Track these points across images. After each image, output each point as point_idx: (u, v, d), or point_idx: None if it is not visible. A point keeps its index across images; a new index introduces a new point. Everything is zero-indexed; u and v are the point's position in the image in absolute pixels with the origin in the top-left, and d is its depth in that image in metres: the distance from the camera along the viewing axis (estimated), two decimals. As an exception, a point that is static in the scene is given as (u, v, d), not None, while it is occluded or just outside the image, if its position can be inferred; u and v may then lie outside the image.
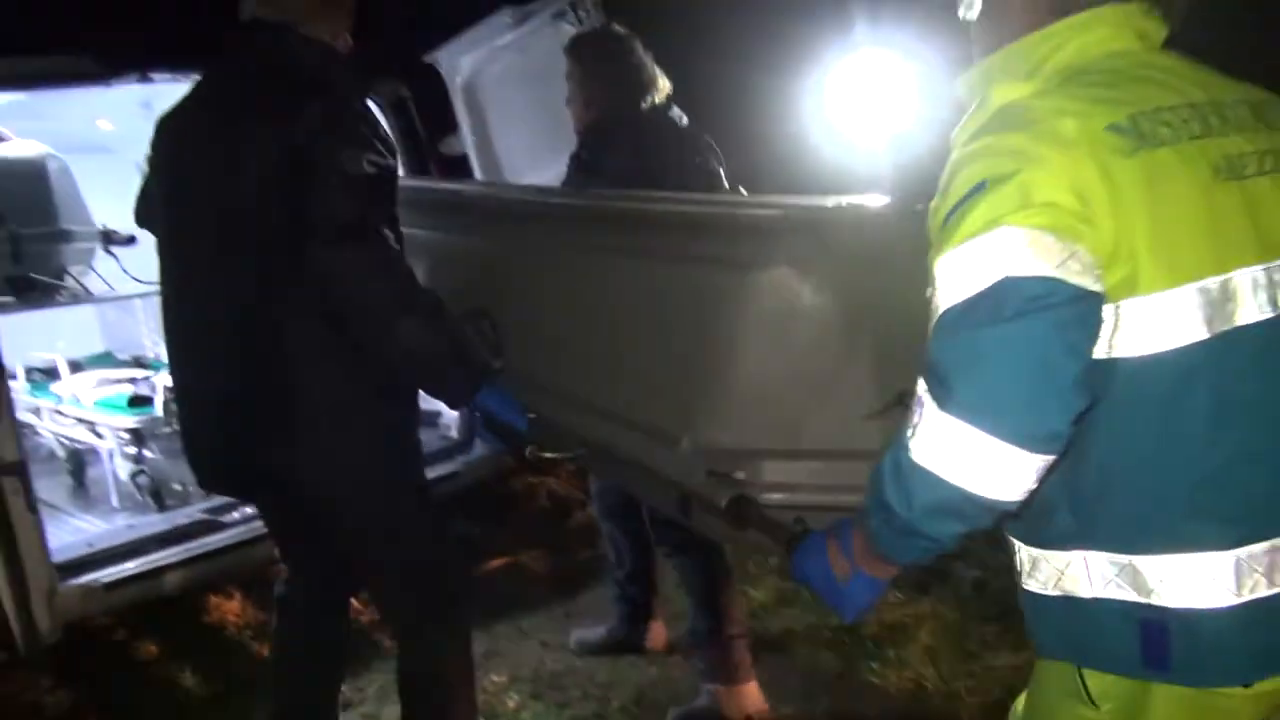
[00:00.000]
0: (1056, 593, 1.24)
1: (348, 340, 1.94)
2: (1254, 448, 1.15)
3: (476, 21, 3.94)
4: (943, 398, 1.09)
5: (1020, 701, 1.45)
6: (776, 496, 1.72)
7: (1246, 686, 1.15)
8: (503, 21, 3.84)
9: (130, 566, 3.07)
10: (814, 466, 1.72)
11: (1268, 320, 1.14)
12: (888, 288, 1.51)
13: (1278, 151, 1.19)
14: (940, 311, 1.13)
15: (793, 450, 1.74)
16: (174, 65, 3.38)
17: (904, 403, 1.24)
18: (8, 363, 4.07)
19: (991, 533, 1.26)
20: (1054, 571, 1.24)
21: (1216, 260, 1.13)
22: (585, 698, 3.17)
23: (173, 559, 3.14)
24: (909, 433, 1.14)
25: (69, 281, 3.99)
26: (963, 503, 1.10)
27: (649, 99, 2.80)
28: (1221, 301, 1.12)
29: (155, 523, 3.46)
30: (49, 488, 4.01)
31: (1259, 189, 1.16)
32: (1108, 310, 1.11)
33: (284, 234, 1.89)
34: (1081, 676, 1.24)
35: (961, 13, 1.32)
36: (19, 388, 3.88)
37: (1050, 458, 1.08)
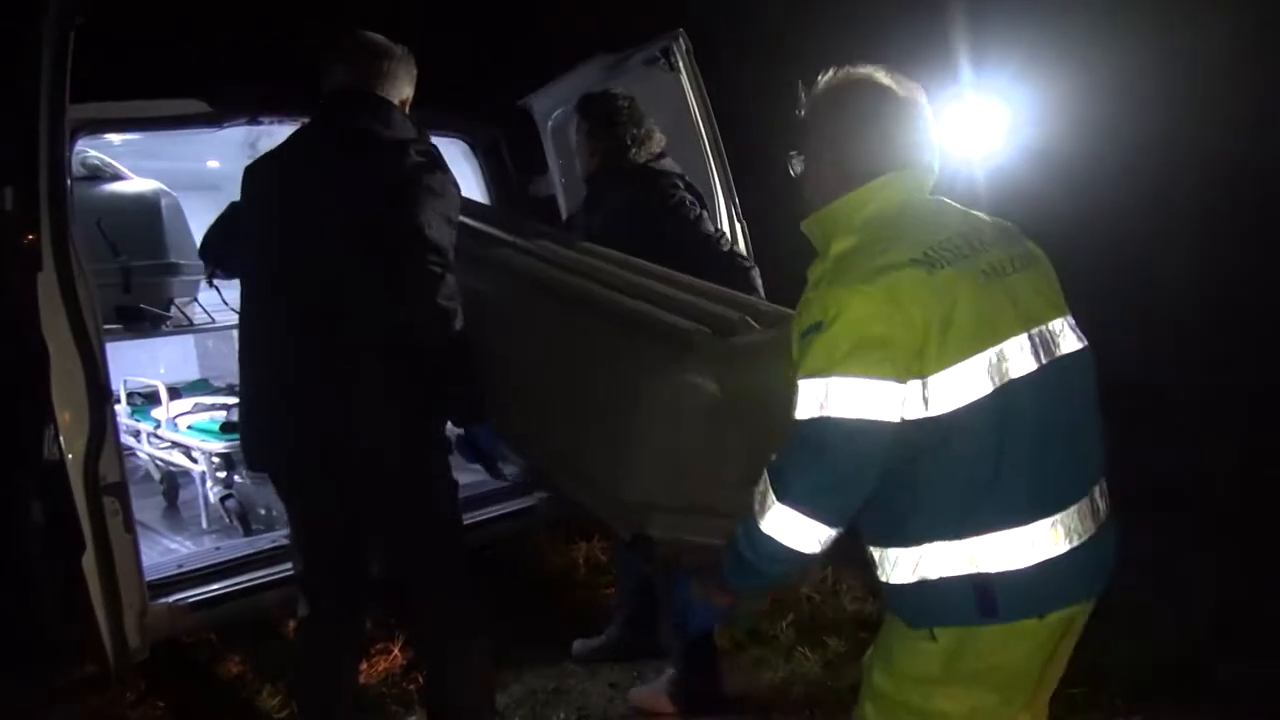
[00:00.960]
0: (914, 579, 1.68)
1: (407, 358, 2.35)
2: (1035, 456, 1.65)
3: (571, 68, 4.04)
4: (780, 491, 1.61)
5: (870, 654, 1.89)
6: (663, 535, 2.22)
7: (1041, 618, 1.66)
8: (596, 67, 3.92)
9: (217, 588, 3.16)
10: (693, 520, 2.18)
11: (1036, 369, 1.66)
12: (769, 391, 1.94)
13: (1018, 257, 1.74)
14: (793, 419, 1.61)
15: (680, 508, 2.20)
16: (278, 111, 3.60)
17: None
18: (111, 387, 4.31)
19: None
20: (910, 564, 1.68)
21: (993, 335, 1.63)
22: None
23: (257, 582, 3.22)
24: (757, 509, 1.65)
25: (174, 312, 4.18)
26: (788, 554, 1.65)
27: (643, 152, 3.24)
28: (999, 363, 1.62)
29: (241, 546, 3.55)
30: (144, 508, 4.15)
31: (1015, 282, 1.70)
32: (919, 385, 1.59)
33: (374, 263, 2.33)
34: (930, 631, 1.69)
35: (791, 171, 1.84)
36: (120, 411, 4.06)
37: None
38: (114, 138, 3.79)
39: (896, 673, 1.77)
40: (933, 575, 1.65)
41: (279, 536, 3.53)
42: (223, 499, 3.82)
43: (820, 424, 1.57)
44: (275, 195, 2.52)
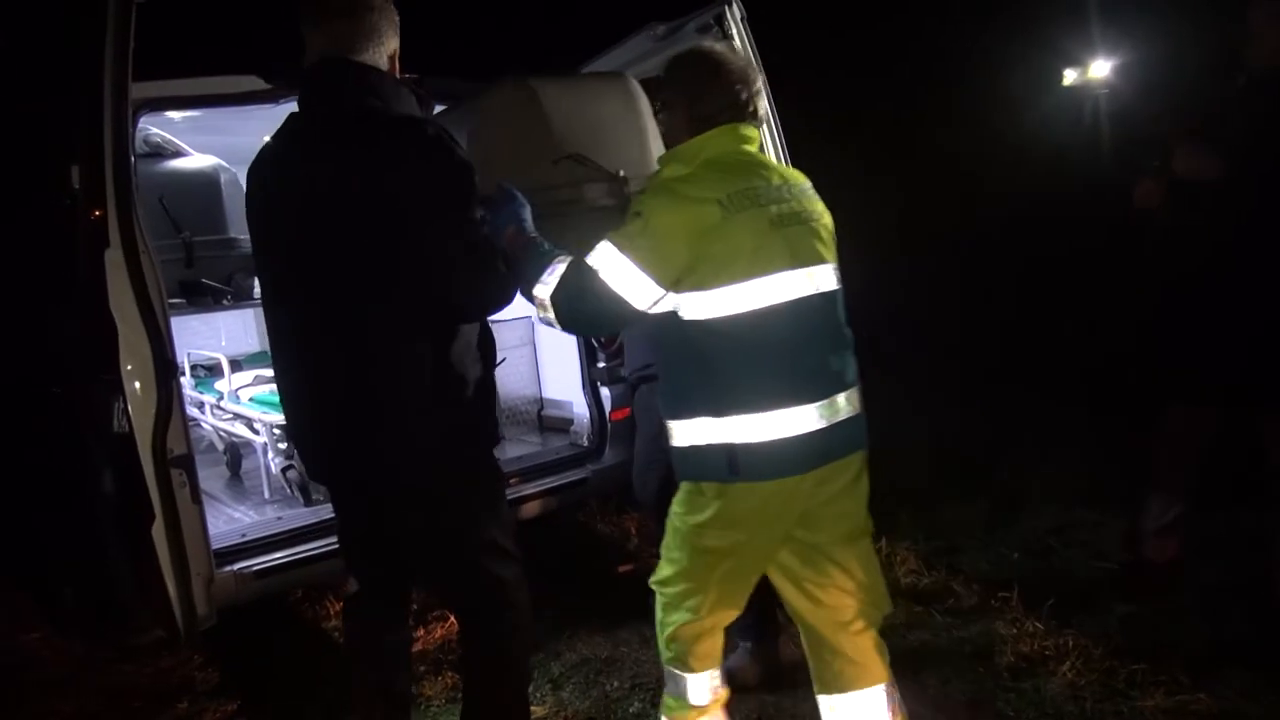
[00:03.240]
0: (689, 444, 2.28)
1: (440, 334, 2.19)
2: (787, 363, 2.21)
3: (625, 37, 4.00)
4: (551, 296, 2.20)
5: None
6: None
7: (777, 479, 2.22)
8: (650, 35, 3.87)
9: (279, 556, 3.24)
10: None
11: (798, 298, 2.21)
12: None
13: (805, 213, 2.27)
14: (585, 256, 2.18)
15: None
16: None
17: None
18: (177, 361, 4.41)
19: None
20: (684, 433, 2.29)
21: (768, 267, 2.17)
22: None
23: (317, 551, 3.29)
24: (539, 286, 2.21)
25: (234, 285, 4.26)
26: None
27: None
28: (768, 289, 2.17)
29: (303, 515, 3.65)
30: (208, 478, 4.27)
31: (796, 231, 2.23)
32: (698, 295, 2.16)
33: (391, 249, 2.09)
34: (699, 485, 2.31)
35: (657, 121, 2.53)
36: (185, 384, 4.16)
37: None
38: (174, 115, 3.84)
39: (683, 515, 2.38)
40: (700, 442, 2.25)
41: (324, 509, 3.61)
42: (284, 469, 3.91)
43: (591, 274, 2.15)
44: (267, 201, 2.28)
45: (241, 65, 3.54)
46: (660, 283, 2.13)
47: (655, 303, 2.17)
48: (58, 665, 3.70)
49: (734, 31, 3.59)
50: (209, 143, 4.45)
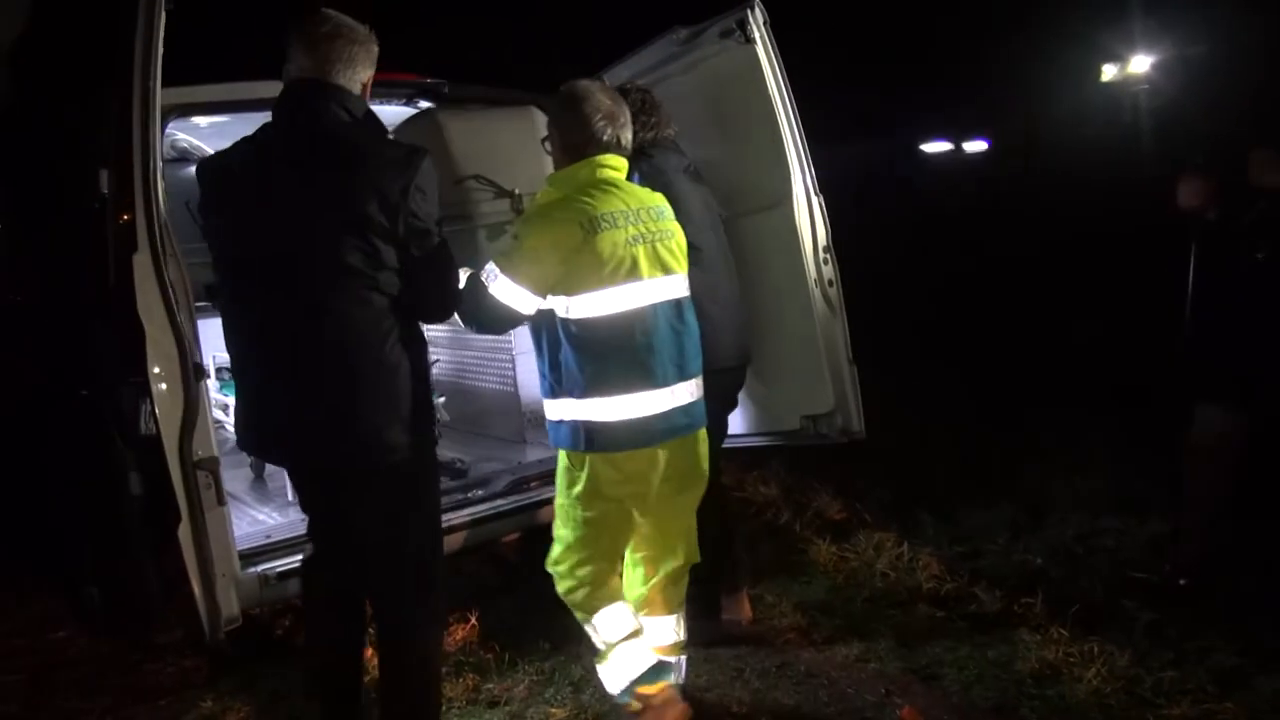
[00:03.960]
0: (556, 419, 2.76)
1: (405, 334, 2.47)
2: (640, 357, 2.68)
3: (648, 41, 4.00)
4: (460, 306, 2.66)
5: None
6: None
7: (625, 452, 2.69)
8: (673, 39, 3.88)
9: (302, 558, 3.25)
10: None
11: (651, 304, 2.69)
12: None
13: (654, 232, 2.72)
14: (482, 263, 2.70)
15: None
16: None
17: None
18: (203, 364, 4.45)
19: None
20: (554, 409, 2.75)
21: (624, 278, 2.63)
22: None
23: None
24: (474, 301, 2.65)
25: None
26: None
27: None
28: (624, 295, 2.63)
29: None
30: (232, 480, 4.30)
31: (651, 247, 2.70)
32: (565, 300, 2.63)
33: (379, 253, 2.38)
34: (570, 462, 2.78)
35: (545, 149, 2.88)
36: (210, 386, 4.19)
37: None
38: (201, 120, 3.88)
39: (563, 493, 2.83)
40: (569, 418, 2.71)
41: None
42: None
43: (483, 289, 2.62)
44: (243, 203, 2.46)
45: (268, 71, 3.57)
46: (535, 293, 2.62)
47: (537, 307, 2.65)
48: (85, 663, 3.75)
49: (757, 35, 3.59)
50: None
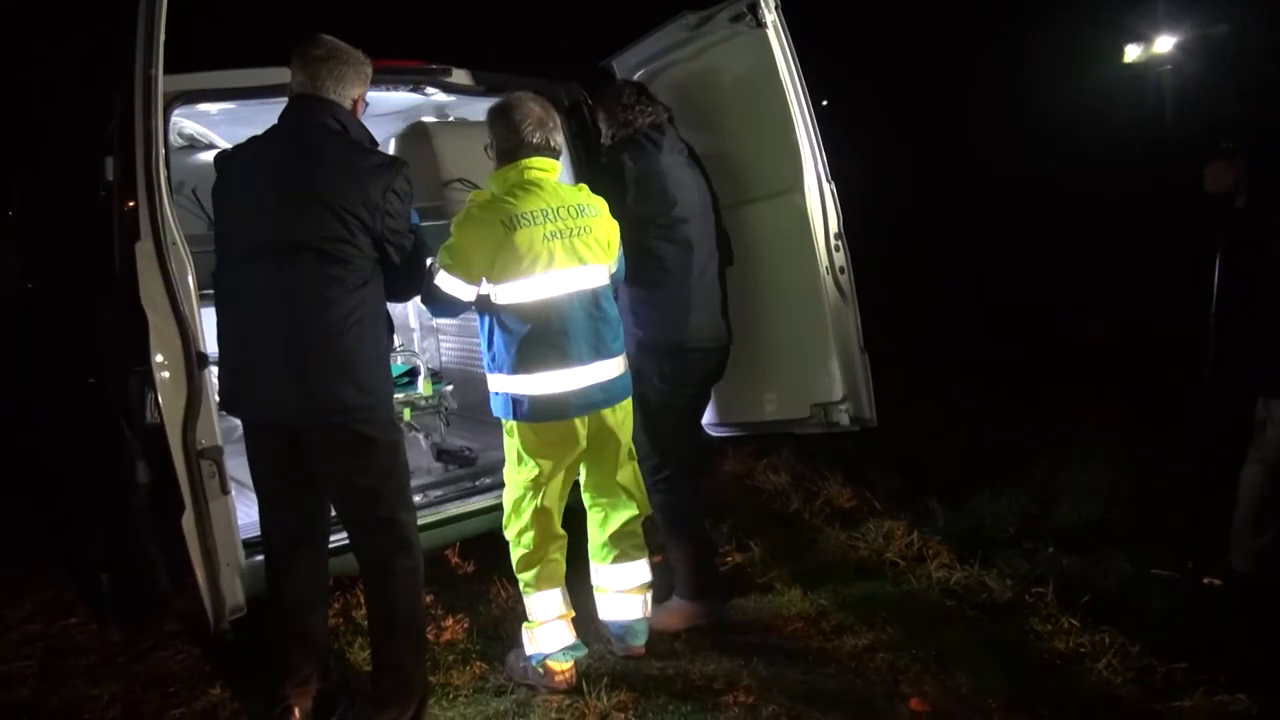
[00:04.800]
0: (494, 390, 3.14)
1: (380, 307, 2.87)
2: (561, 337, 3.04)
3: (656, 27, 3.96)
4: (421, 294, 3.10)
5: None
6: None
7: (548, 422, 3.08)
8: (682, 24, 3.83)
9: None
10: None
11: (570, 292, 3.05)
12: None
13: (574, 228, 3.06)
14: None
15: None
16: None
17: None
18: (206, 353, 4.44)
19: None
20: (493, 383, 3.14)
21: (544, 267, 3.00)
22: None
23: (345, 543, 3.29)
24: (426, 289, 3.06)
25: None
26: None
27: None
28: (542, 284, 3.01)
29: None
30: (240, 467, 4.31)
31: (570, 241, 3.04)
32: (493, 287, 3.02)
33: (355, 241, 2.74)
34: (506, 428, 3.17)
35: (487, 154, 3.20)
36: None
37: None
38: (208, 107, 3.86)
39: (506, 451, 3.22)
40: (501, 390, 3.12)
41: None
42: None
43: (432, 285, 3.02)
44: (252, 183, 2.77)
45: (271, 58, 3.55)
46: (469, 282, 3.01)
47: (476, 294, 3.04)
48: (95, 650, 3.76)
49: (768, 19, 3.54)
50: (241, 134, 4.46)
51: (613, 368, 3.17)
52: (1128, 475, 4.63)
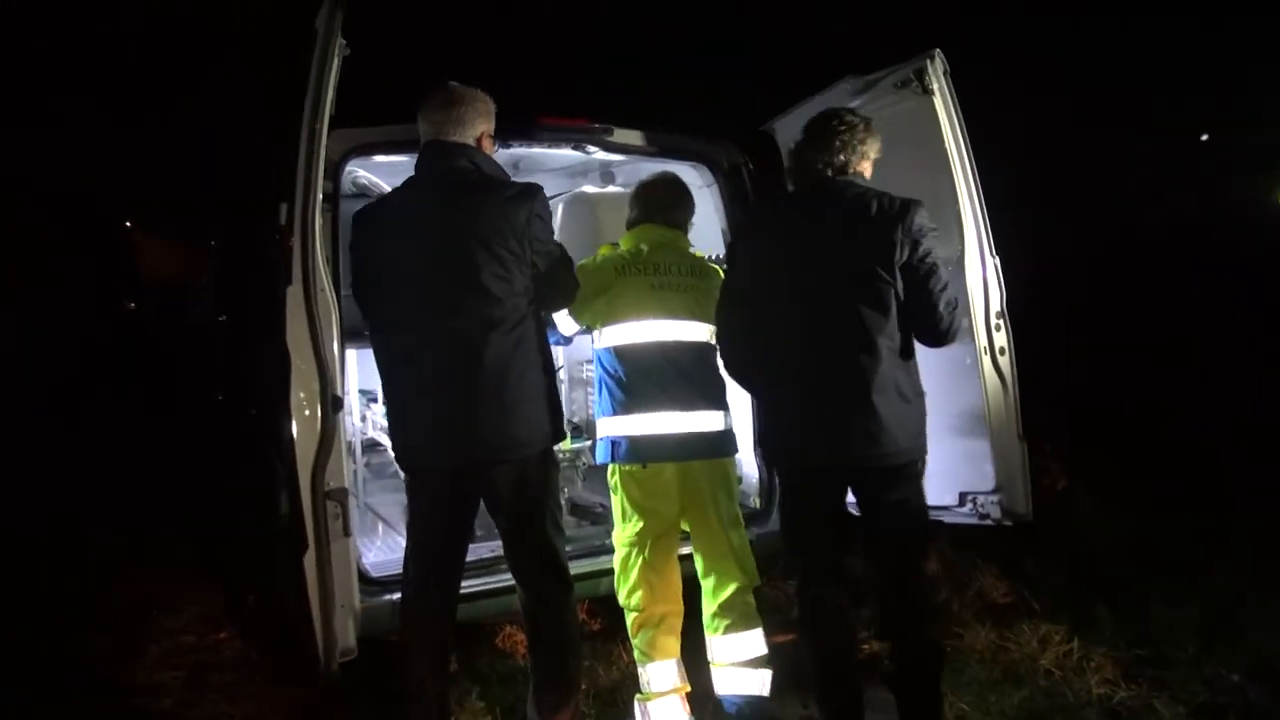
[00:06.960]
0: (600, 436, 3.38)
1: (538, 341, 2.96)
2: (657, 383, 3.30)
3: (818, 92, 3.88)
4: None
5: None
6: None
7: (644, 466, 3.29)
8: (844, 90, 3.74)
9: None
10: None
11: (664, 341, 3.34)
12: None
13: (685, 281, 3.42)
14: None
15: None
16: (526, 136, 3.85)
17: None
18: (368, 385, 4.63)
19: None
20: (600, 428, 3.39)
21: (644, 315, 3.34)
22: None
23: (473, 590, 3.32)
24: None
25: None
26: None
27: None
28: (646, 330, 3.34)
29: (473, 549, 3.64)
30: (384, 504, 4.44)
31: (670, 294, 3.38)
32: (600, 330, 3.41)
33: (510, 277, 2.87)
34: (608, 473, 3.41)
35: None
36: (379, 409, 4.34)
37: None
38: (381, 157, 4.05)
39: (614, 510, 3.37)
40: (604, 434, 3.32)
41: (497, 546, 3.62)
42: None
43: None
44: (397, 237, 2.88)
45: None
46: (591, 323, 3.41)
47: (574, 329, 3.48)
48: (238, 668, 3.93)
49: (935, 86, 3.40)
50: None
51: (714, 420, 3.33)
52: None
